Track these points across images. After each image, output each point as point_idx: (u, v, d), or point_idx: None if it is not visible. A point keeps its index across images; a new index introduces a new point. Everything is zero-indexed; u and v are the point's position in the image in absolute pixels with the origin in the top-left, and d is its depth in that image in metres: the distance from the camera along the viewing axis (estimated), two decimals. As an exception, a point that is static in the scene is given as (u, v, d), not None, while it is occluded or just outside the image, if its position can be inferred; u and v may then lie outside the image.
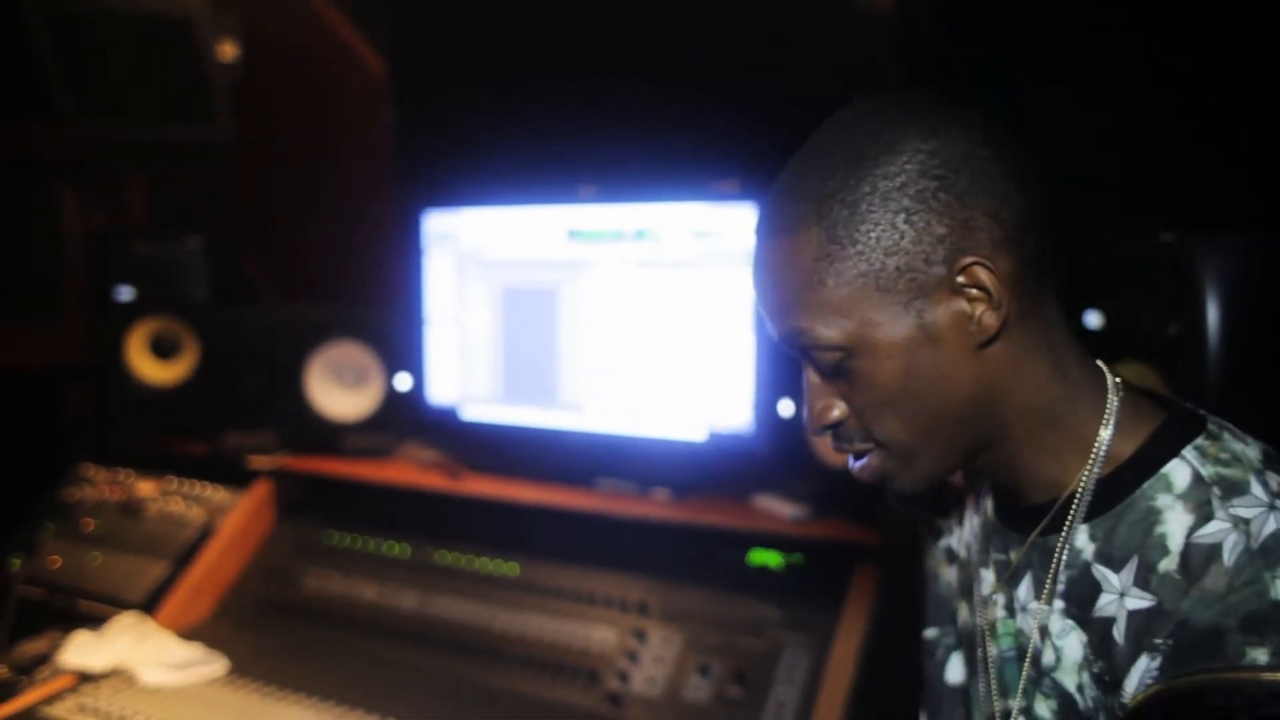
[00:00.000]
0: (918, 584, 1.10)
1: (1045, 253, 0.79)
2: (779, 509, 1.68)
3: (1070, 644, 0.81)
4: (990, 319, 0.77)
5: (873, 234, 0.76)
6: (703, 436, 1.77)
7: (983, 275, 0.75)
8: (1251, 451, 0.77)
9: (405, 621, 1.72)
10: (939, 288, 0.76)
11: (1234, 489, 0.73)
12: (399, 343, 2.08)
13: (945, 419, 0.80)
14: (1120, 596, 0.76)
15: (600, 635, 1.59)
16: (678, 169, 1.89)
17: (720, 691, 1.47)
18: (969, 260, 0.75)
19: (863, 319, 0.77)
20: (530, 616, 1.66)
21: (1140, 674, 0.73)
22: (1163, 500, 0.76)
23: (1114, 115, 1.65)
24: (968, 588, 0.97)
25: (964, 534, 1.00)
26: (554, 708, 1.50)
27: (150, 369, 2.15)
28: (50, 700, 1.48)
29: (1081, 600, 0.80)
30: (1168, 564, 0.73)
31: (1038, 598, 0.85)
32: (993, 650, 0.91)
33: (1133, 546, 0.76)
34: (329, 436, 2.09)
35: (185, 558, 1.86)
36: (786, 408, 1.71)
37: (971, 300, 0.77)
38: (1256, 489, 0.73)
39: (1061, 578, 0.82)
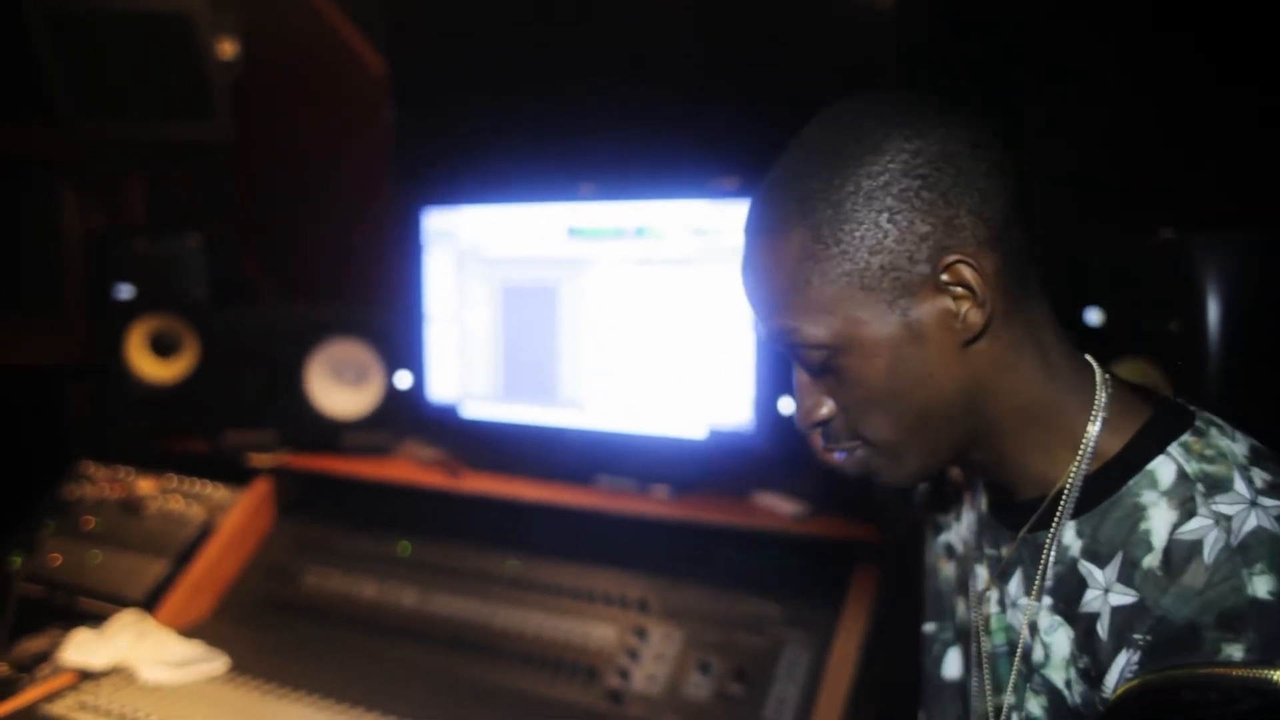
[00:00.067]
0: (918, 581, 1.10)
1: (1031, 249, 0.80)
2: (779, 507, 1.68)
3: (1058, 640, 0.81)
4: (975, 316, 0.77)
5: (857, 233, 0.76)
6: (703, 434, 1.78)
7: (967, 273, 0.76)
8: (1239, 447, 0.77)
9: (405, 619, 1.72)
10: (923, 286, 0.77)
11: (1217, 485, 0.74)
12: (399, 341, 2.08)
13: (932, 416, 0.80)
14: (1105, 592, 0.76)
15: (600, 633, 1.60)
16: (678, 167, 1.89)
17: (721, 689, 1.47)
18: (953, 258, 0.76)
19: (848, 318, 0.78)
20: (530, 614, 1.66)
21: (1120, 669, 0.73)
22: (1148, 497, 0.76)
23: (1114, 115, 1.65)
24: (965, 583, 0.98)
25: (962, 529, 1.00)
26: (554, 705, 1.50)
27: (150, 368, 2.15)
28: (51, 698, 1.49)
29: (1069, 596, 0.80)
30: (1151, 560, 0.73)
31: (1027, 594, 0.85)
32: (986, 646, 0.92)
33: (1118, 543, 0.76)
34: (329, 434, 2.10)
35: (185, 556, 1.86)
36: (787, 405, 1.71)
37: (956, 298, 0.77)
38: (1240, 486, 0.73)
39: (1050, 574, 0.82)
